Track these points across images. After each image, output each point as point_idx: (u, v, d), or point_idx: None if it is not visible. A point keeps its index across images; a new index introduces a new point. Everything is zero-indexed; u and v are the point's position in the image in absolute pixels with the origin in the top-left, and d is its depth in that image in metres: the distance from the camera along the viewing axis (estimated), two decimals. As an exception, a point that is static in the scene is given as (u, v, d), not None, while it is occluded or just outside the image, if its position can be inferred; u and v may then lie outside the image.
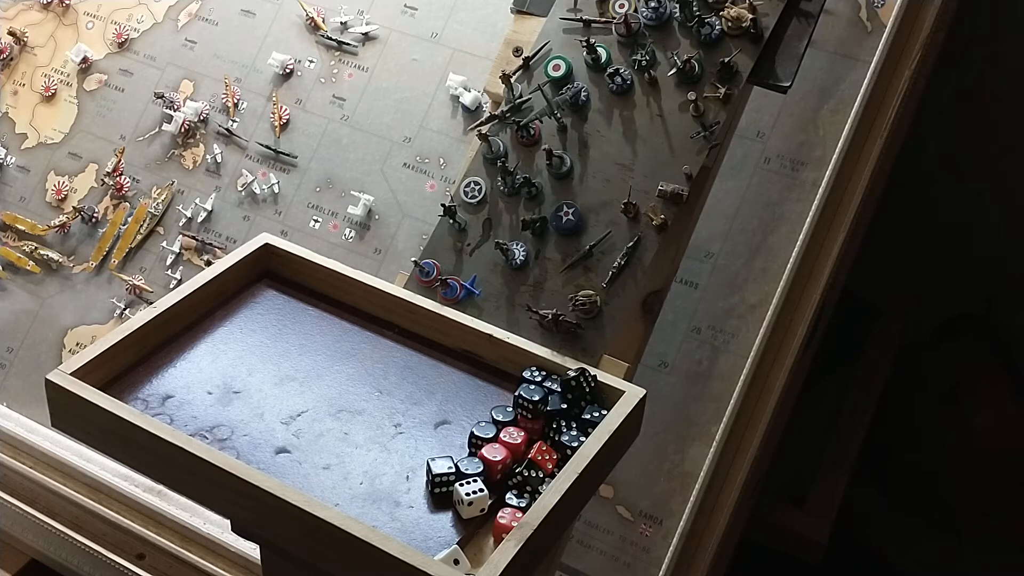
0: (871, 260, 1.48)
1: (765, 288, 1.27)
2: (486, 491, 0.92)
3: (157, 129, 1.48)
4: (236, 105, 1.45)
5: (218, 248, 1.41)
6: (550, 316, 1.05)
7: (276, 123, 1.43)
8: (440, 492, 0.93)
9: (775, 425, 1.25)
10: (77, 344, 1.44)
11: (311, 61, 1.44)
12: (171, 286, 1.40)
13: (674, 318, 1.29)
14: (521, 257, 1.10)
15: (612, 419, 0.97)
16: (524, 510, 0.90)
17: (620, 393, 0.99)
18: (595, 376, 1.00)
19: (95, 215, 1.47)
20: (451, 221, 1.12)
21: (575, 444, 0.95)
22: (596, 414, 0.98)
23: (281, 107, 1.43)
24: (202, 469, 0.90)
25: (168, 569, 1.30)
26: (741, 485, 1.24)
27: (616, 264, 1.07)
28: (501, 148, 1.13)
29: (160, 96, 1.48)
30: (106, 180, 1.48)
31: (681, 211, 1.08)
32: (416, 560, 0.83)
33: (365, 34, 1.42)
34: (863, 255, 1.33)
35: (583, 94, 1.12)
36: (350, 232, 1.38)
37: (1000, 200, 1.79)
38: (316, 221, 1.39)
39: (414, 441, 0.98)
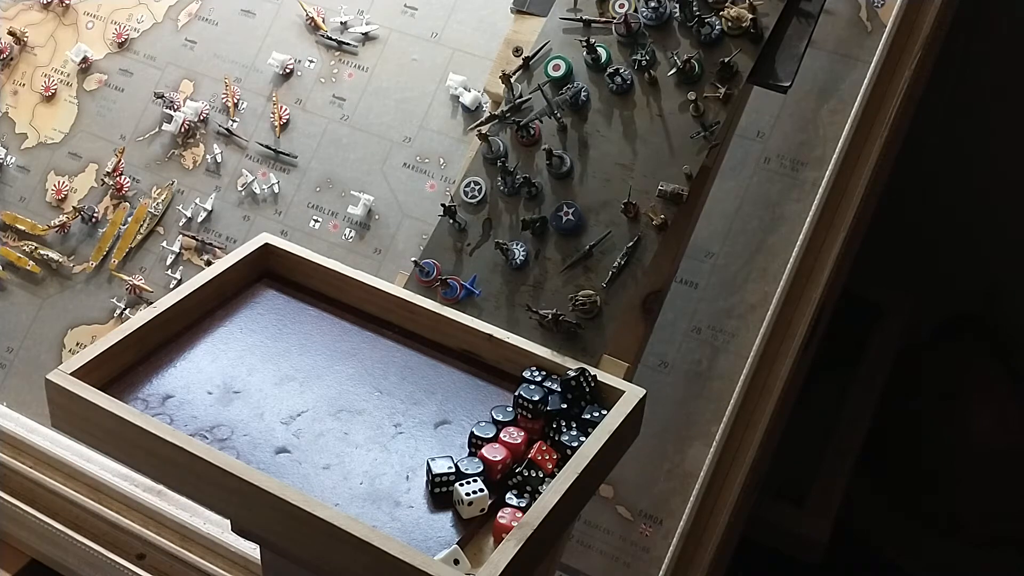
0: (871, 260, 1.48)
1: (765, 288, 1.27)
2: (486, 491, 0.92)
3: (157, 129, 1.48)
4: (236, 105, 1.45)
5: (218, 248, 1.41)
6: (550, 316, 1.05)
7: (276, 123, 1.43)
8: (440, 492, 0.93)
9: (775, 425, 1.26)
10: (77, 344, 1.44)
11: (311, 61, 1.44)
12: (171, 286, 1.40)
13: (674, 318, 1.29)
14: (521, 257, 1.10)
15: (612, 419, 0.97)
16: (524, 510, 0.90)
17: (620, 393, 0.99)
18: (595, 376, 1.00)
19: (95, 215, 1.47)
20: (451, 221, 1.12)
21: (575, 444, 0.95)
22: (596, 414, 0.98)
23: (281, 107, 1.43)
24: (202, 469, 0.90)
25: (168, 569, 1.30)
26: (741, 485, 1.24)
27: (616, 264, 1.07)
28: (501, 148, 1.13)
29: (160, 96, 1.48)
30: (106, 180, 1.48)
31: (681, 211, 1.08)
32: (416, 560, 0.83)
33: (365, 34, 1.42)
34: (863, 255, 1.33)
35: (583, 94, 1.12)
36: (350, 232, 1.38)
37: (1000, 200, 1.79)
38: (316, 221, 1.39)
39: (414, 441, 0.98)
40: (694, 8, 1.11)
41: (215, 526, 1.29)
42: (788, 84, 1.10)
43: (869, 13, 1.29)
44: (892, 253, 1.71)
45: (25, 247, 1.49)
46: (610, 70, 1.11)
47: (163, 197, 1.45)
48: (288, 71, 1.44)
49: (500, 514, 0.91)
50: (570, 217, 1.09)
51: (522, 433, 0.96)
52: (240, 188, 1.43)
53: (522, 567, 0.86)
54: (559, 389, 1.00)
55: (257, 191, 1.42)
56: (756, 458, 1.24)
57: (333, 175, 1.40)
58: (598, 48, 1.12)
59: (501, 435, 0.96)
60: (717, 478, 1.24)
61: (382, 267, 1.34)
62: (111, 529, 1.33)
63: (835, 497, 1.59)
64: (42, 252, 1.48)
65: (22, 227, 1.50)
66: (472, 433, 0.96)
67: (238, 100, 1.45)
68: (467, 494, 0.91)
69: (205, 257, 1.42)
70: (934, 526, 1.72)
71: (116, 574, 1.31)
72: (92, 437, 0.97)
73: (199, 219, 1.43)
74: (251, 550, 1.26)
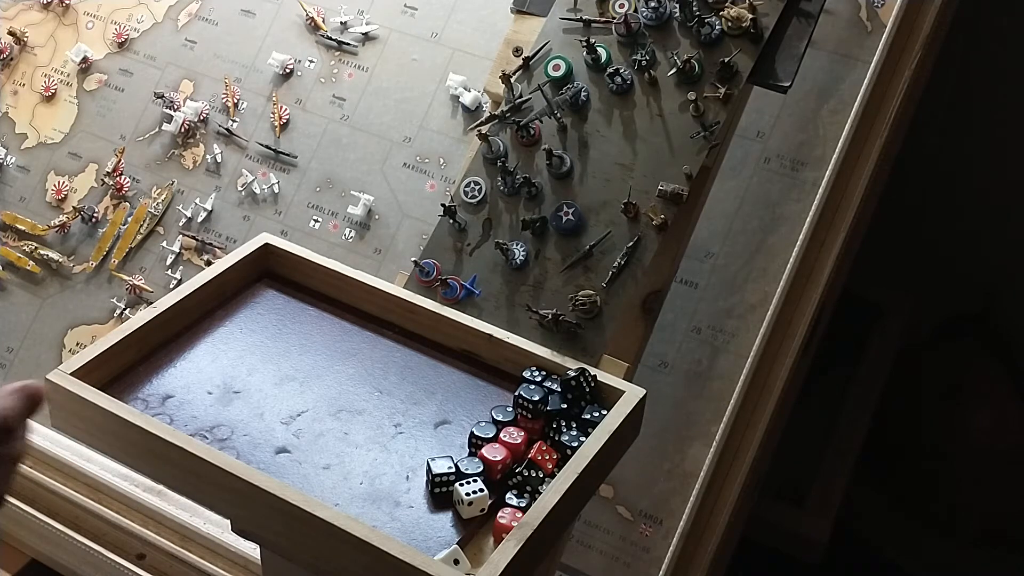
0: (871, 260, 1.48)
1: (765, 288, 1.27)
2: (486, 491, 0.92)
3: (157, 129, 1.48)
4: (236, 105, 1.45)
5: (218, 248, 1.41)
6: (550, 316, 1.05)
7: (276, 123, 1.43)
8: (440, 492, 0.93)
9: (775, 425, 1.25)
10: (77, 344, 1.44)
11: (311, 61, 1.44)
12: (171, 286, 1.40)
13: (674, 318, 1.29)
14: (521, 257, 1.10)
15: (612, 419, 0.97)
16: (524, 510, 0.90)
17: (620, 393, 1.00)
18: (595, 376, 1.00)
19: (95, 215, 1.47)
20: (451, 221, 1.12)
21: (575, 444, 0.95)
22: (596, 414, 0.98)
23: (281, 107, 1.43)
24: (202, 469, 0.90)
25: (168, 569, 1.30)
26: (741, 485, 1.24)
27: (616, 264, 1.07)
28: (501, 148, 1.13)
29: (160, 96, 1.48)
30: (106, 180, 1.48)
31: (681, 211, 1.08)
32: (416, 560, 0.83)
33: (365, 34, 1.42)
34: (863, 255, 1.33)
35: (583, 94, 1.12)
36: (350, 232, 1.38)
37: (1000, 200, 1.79)
38: (316, 221, 1.39)
39: (414, 441, 0.98)
40: (694, 8, 1.11)
41: (215, 526, 1.29)
42: (788, 84, 1.10)
43: (869, 13, 1.29)
44: (892, 253, 1.71)
45: (25, 247, 1.49)
46: (610, 70, 1.11)
47: (163, 197, 1.45)
48: (288, 71, 1.44)
49: (500, 514, 0.91)
50: (570, 217, 1.09)
51: (522, 433, 0.97)
52: (240, 188, 1.43)
53: (522, 567, 0.86)
54: (559, 389, 1.00)
55: (257, 191, 1.42)
56: (756, 458, 1.24)
57: (333, 175, 1.40)
58: (598, 48, 1.12)
59: (501, 435, 0.96)
60: (717, 478, 1.24)
61: (382, 267, 1.34)
62: (111, 529, 1.33)
63: (835, 497, 1.59)
64: (42, 252, 1.48)
65: (22, 227, 1.50)
66: (472, 433, 0.96)
67: (238, 100, 1.45)
68: (467, 494, 0.91)
69: (205, 257, 1.42)
70: (934, 526, 1.72)
71: (116, 574, 1.31)
72: (92, 437, 0.97)
73: (199, 219, 1.43)
74: (251, 550, 1.26)
